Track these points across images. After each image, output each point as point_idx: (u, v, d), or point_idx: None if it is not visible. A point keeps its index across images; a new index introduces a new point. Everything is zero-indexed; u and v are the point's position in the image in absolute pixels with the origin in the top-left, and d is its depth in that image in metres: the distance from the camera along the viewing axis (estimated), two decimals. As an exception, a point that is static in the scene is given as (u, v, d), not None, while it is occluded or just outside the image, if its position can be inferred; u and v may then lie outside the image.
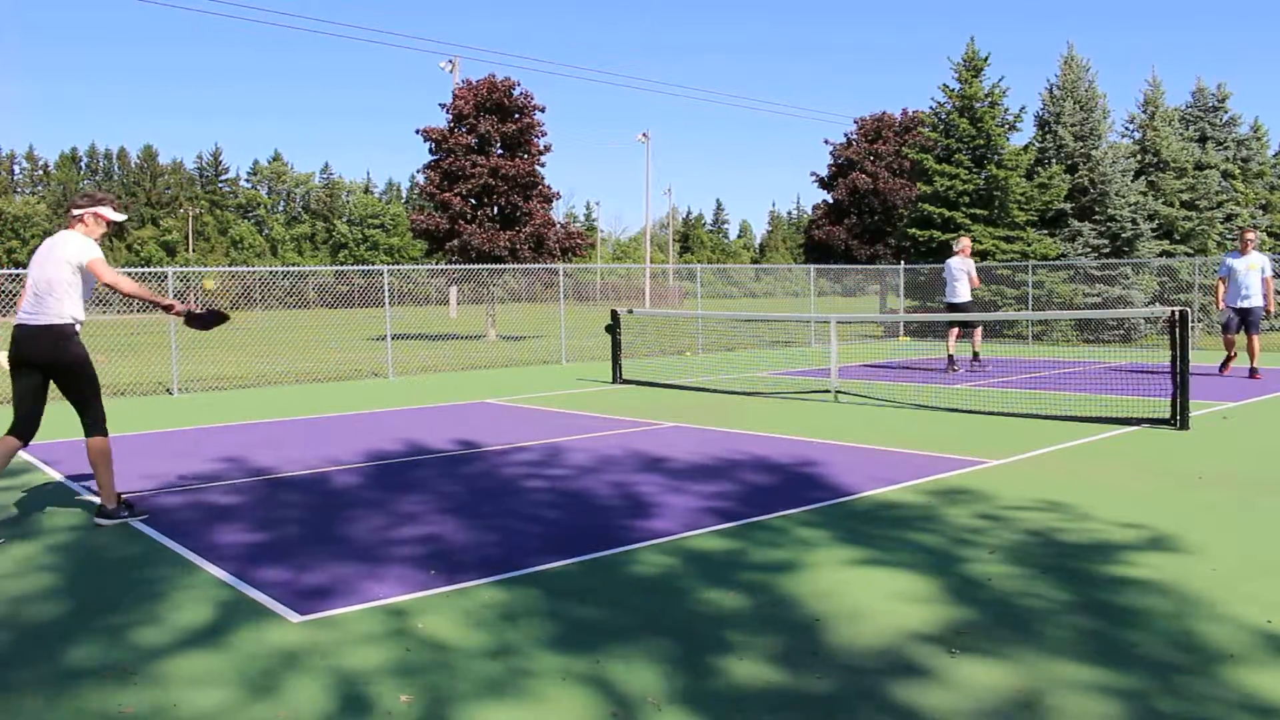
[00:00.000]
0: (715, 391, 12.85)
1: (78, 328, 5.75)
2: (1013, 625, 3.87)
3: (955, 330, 15.24)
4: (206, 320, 6.01)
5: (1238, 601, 4.10)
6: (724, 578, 4.57)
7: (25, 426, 5.72)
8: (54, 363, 5.67)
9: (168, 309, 5.89)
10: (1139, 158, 25.19)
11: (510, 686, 3.37)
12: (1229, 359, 13.42)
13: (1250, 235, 13.14)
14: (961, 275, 14.65)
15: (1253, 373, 13.00)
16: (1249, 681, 3.29)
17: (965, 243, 14.88)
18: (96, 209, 5.88)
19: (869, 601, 4.19)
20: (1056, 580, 4.44)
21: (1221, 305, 13.26)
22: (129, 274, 16.99)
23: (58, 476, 7.46)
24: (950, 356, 15.08)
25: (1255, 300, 12.98)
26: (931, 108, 26.69)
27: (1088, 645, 3.64)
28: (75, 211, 5.87)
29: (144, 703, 3.29)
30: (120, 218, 6.05)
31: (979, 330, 15.53)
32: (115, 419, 10.76)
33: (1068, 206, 24.34)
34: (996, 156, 25.07)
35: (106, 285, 5.79)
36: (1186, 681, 3.30)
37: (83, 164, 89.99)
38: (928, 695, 3.22)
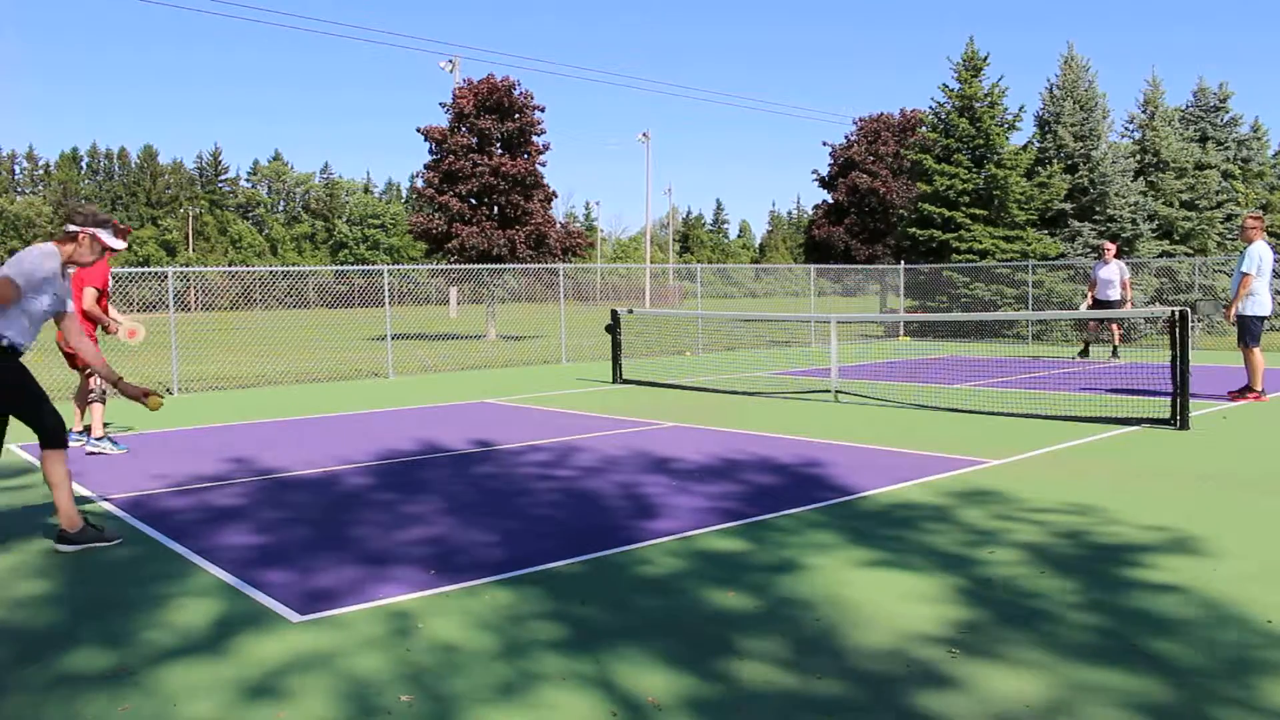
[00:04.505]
0: (716, 391, 12.84)
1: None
2: (1022, 626, 3.86)
3: (1093, 324, 17.26)
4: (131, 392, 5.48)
5: (1254, 604, 4.08)
6: (729, 578, 4.56)
7: None
8: None
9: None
10: (1139, 158, 25.18)
11: (514, 687, 3.36)
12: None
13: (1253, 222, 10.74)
14: (1114, 277, 16.29)
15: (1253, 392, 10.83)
16: (1270, 687, 3.28)
17: (1111, 247, 16.33)
18: (96, 230, 5.28)
19: (877, 602, 4.18)
20: (1064, 581, 4.43)
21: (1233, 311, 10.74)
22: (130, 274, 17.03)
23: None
24: (1086, 345, 17.08)
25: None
26: (931, 108, 26.69)
27: (1101, 648, 3.63)
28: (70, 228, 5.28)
29: (143, 703, 3.28)
30: (120, 246, 5.42)
31: (1118, 328, 17.23)
32: (115, 419, 10.78)
33: (1067, 206, 24.32)
34: (996, 156, 25.05)
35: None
36: (1207, 686, 3.28)
37: (83, 164, 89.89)
38: (938, 699, 3.22)
